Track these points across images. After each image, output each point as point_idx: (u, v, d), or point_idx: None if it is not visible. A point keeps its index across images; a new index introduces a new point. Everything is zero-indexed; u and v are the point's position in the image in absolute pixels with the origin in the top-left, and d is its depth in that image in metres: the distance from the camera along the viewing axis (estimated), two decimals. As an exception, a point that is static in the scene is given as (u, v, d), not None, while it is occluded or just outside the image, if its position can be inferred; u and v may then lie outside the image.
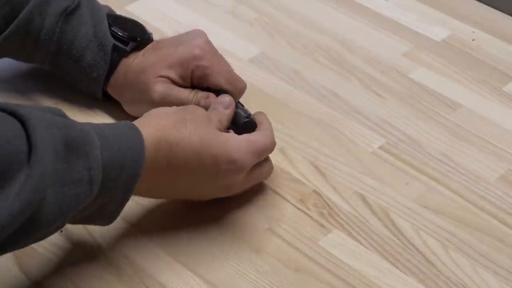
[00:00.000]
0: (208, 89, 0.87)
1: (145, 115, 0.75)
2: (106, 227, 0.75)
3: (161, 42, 0.90)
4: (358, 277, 0.75)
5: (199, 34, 0.89)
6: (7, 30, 0.87)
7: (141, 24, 0.91)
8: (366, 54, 1.03)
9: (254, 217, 0.80)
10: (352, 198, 0.83)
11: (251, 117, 0.82)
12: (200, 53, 0.86)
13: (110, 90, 0.90)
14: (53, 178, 0.61)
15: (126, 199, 0.70)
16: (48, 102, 0.92)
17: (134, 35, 0.89)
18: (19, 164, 0.59)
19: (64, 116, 0.66)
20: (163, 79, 0.86)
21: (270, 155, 0.81)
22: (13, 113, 0.61)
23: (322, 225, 0.80)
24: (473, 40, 1.06)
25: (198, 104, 0.85)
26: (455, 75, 1.00)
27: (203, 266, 0.75)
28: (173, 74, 0.86)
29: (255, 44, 1.03)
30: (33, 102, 0.92)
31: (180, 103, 0.84)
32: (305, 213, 0.81)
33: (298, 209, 0.82)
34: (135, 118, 0.77)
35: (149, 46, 0.89)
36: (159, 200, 0.80)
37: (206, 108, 0.83)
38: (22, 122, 0.61)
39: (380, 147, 0.89)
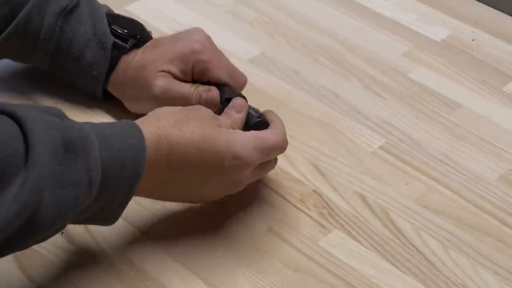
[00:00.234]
0: (208, 83, 0.87)
1: (148, 114, 0.75)
2: (108, 229, 0.75)
3: (160, 40, 0.90)
4: (358, 277, 0.75)
5: (198, 30, 0.89)
6: (6, 30, 0.87)
7: (140, 23, 0.92)
8: (366, 54, 1.03)
9: (254, 217, 0.80)
10: (352, 198, 0.83)
11: (263, 116, 0.81)
12: (200, 48, 0.87)
13: (110, 88, 0.90)
14: (51, 180, 0.61)
15: (128, 199, 0.70)
16: (48, 102, 0.92)
17: (133, 33, 0.89)
18: (16, 166, 0.59)
19: (64, 116, 0.66)
20: (164, 73, 0.86)
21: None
22: (10, 114, 0.61)
23: (322, 225, 0.80)
24: (473, 40, 1.06)
25: (199, 97, 0.85)
26: (455, 75, 1.00)
27: (203, 266, 0.75)
28: (174, 69, 0.86)
29: (255, 44, 1.03)
30: (33, 102, 0.92)
31: (181, 97, 0.85)
32: (305, 213, 0.81)
33: (298, 209, 0.82)
34: (136, 116, 0.78)
35: (148, 43, 0.90)
36: (160, 201, 0.80)
37: (208, 101, 0.84)
38: (20, 124, 0.60)
39: (380, 147, 0.89)
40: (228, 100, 0.86)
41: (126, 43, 0.88)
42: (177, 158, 0.72)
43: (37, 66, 0.92)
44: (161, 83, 0.86)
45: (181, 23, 1.05)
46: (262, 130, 0.77)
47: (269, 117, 0.81)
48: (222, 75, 0.87)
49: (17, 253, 0.69)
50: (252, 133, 0.75)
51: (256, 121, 0.80)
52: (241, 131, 0.76)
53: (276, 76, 0.98)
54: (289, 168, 0.86)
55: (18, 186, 0.58)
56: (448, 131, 0.92)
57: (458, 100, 0.96)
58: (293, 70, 1.00)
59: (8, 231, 0.59)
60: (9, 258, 0.64)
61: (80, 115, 0.91)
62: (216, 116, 0.77)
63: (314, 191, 0.83)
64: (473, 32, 1.07)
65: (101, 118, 0.91)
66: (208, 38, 0.89)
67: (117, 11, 0.93)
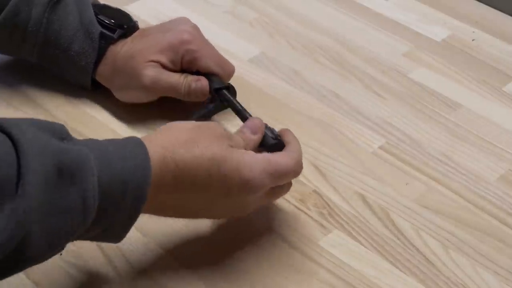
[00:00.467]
0: (197, 73, 0.89)
1: (157, 130, 0.71)
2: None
3: (148, 30, 0.91)
4: (358, 277, 0.75)
5: (184, 20, 0.90)
6: None
7: (126, 13, 0.92)
8: (366, 54, 1.03)
9: (254, 217, 0.80)
10: (352, 198, 0.83)
11: (279, 138, 0.77)
12: (189, 38, 0.88)
13: (98, 78, 0.91)
14: (41, 209, 0.59)
15: (132, 222, 0.66)
16: (36, 94, 0.93)
17: (120, 23, 0.90)
18: (5, 193, 0.57)
19: (66, 133, 0.63)
20: (153, 63, 0.87)
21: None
22: (8, 133, 0.59)
23: (322, 225, 0.80)
24: (473, 40, 1.06)
25: (188, 87, 0.87)
26: (455, 75, 1.00)
27: (203, 266, 0.75)
28: (163, 59, 0.87)
29: (255, 44, 1.03)
30: (21, 95, 0.92)
31: (170, 87, 0.87)
32: (305, 213, 0.81)
33: (298, 209, 0.82)
34: (125, 104, 0.81)
35: (136, 33, 0.90)
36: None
37: (198, 91, 0.86)
38: (15, 146, 0.58)
39: (380, 147, 0.89)
40: (218, 90, 0.88)
41: (113, 33, 0.89)
42: (183, 180, 0.68)
43: (25, 59, 0.93)
44: (151, 73, 0.87)
45: (181, 23, 1.05)
46: (276, 153, 0.73)
47: (285, 138, 0.77)
48: (211, 64, 0.88)
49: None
50: (264, 156, 0.71)
51: (271, 143, 0.76)
52: (252, 152, 0.72)
53: (276, 76, 0.98)
54: (289, 168, 0.86)
55: (6, 216, 0.56)
56: (448, 131, 0.92)
57: (458, 100, 0.96)
58: (293, 70, 1.00)
59: None
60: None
61: (68, 106, 0.91)
62: (230, 135, 0.73)
63: (314, 191, 0.83)
64: (473, 32, 1.07)
65: (89, 109, 0.91)
66: (196, 28, 0.90)
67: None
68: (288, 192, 0.82)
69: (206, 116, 0.89)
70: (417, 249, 0.78)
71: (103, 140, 0.66)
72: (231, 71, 0.90)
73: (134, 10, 1.07)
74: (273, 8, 1.10)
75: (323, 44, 1.04)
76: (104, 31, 0.89)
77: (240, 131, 0.75)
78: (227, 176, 0.69)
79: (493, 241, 0.79)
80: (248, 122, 0.77)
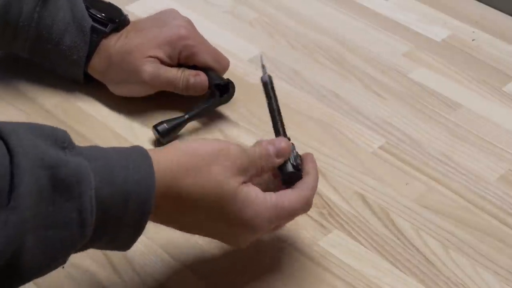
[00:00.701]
0: (194, 67, 0.90)
1: (168, 148, 0.67)
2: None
3: (141, 23, 0.92)
4: (358, 277, 0.75)
5: (177, 14, 0.92)
6: None
7: (117, 7, 0.93)
8: (366, 54, 1.03)
9: (254, 217, 0.80)
10: (352, 198, 0.83)
11: (300, 166, 0.71)
12: (186, 33, 0.89)
13: (91, 72, 0.91)
14: (34, 222, 0.57)
15: (139, 232, 0.64)
16: (28, 89, 0.93)
17: (112, 17, 0.90)
18: None
19: (68, 142, 0.61)
20: (152, 59, 0.88)
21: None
22: (4, 140, 0.57)
23: (322, 225, 0.80)
24: (473, 40, 1.06)
25: (187, 81, 0.88)
26: (455, 75, 1.00)
27: (203, 266, 0.75)
28: (161, 54, 0.88)
29: (255, 44, 1.03)
30: (13, 90, 0.93)
31: (168, 81, 0.88)
32: (305, 213, 0.81)
33: (298, 209, 0.81)
34: (121, 98, 0.83)
35: (129, 27, 0.91)
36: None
37: (197, 85, 0.87)
38: (10, 155, 0.56)
39: (380, 147, 0.89)
40: (217, 86, 0.89)
41: (105, 27, 0.89)
42: (184, 207, 0.65)
43: (17, 55, 0.93)
44: (149, 68, 0.88)
45: (181, 23, 1.05)
46: (286, 193, 0.68)
47: (305, 167, 0.72)
48: (208, 59, 0.90)
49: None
50: (272, 201, 0.67)
51: (289, 172, 0.71)
52: (261, 194, 0.67)
53: (276, 76, 0.98)
54: (289, 168, 0.86)
55: None
56: (448, 131, 0.92)
57: (458, 100, 0.96)
58: (293, 70, 1.00)
59: None
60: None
61: (64, 102, 0.92)
62: (246, 166, 0.67)
63: (314, 191, 0.83)
64: (473, 32, 1.07)
65: (81, 103, 0.92)
66: (190, 22, 0.91)
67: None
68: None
69: (205, 111, 0.89)
70: (417, 249, 0.78)
71: (107, 148, 0.64)
72: (226, 65, 0.92)
73: (134, 10, 1.07)
74: (273, 8, 1.10)
75: (323, 44, 1.04)
76: (96, 25, 0.89)
77: (264, 149, 0.69)
78: (230, 217, 0.66)
79: (493, 241, 0.79)
80: (277, 142, 0.71)
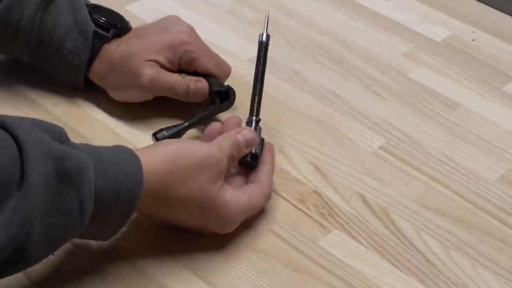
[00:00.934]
0: (194, 73, 0.89)
1: (162, 146, 0.73)
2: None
3: (142, 29, 0.92)
4: (358, 277, 0.75)
5: (179, 20, 0.92)
6: None
7: (118, 13, 0.93)
8: (366, 54, 1.03)
9: (254, 217, 0.80)
10: (352, 198, 0.83)
11: (258, 155, 0.80)
12: (187, 39, 0.89)
13: (92, 77, 0.91)
14: (41, 210, 0.61)
15: (122, 226, 0.70)
16: (29, 93, 0.93)
17: (114, 22, 0.90)
18: (8, 192, 0.58)
19: (65, 137, 0.65)
20: (151, 63, 0.87)
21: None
22: (12, 133, 0.60)
23: (322, 225, 0.80)
24: (473, 40, 1.06)
25: (187, 87, 0.88)
26: (455, 75, 1.00)
27: (205, 267, 0.75)
28: (161, 58, 0.88)
29: (255, 44, 1.03)
30: (14, 94, 0.93)
31: (168, 86, 0.87)
32: (305, 213, 0.81)
33: (298, 209, 0.81)
34: (120, 103, 0.82)
35: (130, 33, 0.91)
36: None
37: (197, 92, 0.87)
38: (19, 147, 0.60)
39: (380, 147, 0.89)
40: (218, 92, 0.88)
41: (107, 32, 0.89)
42: (167, 209, 0.73)
43: (17, 58, 0.93)
44: (149, 72, 0.87)
45: (181, 23, 1.05)
46: (253, 192, 0.77)
47: (263, 158, 0.80)
48: (209, 65, 0.89)
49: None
50: (244, 206, 0.75)
51: (247, 161, 0.79)
52: (235, 198, 0.75)
53: (276, 76, 0.98)
54: (289, 168, 0.86)
55: (9, 215, 0.58)
56: (448, 131, 0.92)
57: (458, 100, 0.96)
58: (293, 70, 1.00)
59: None
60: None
61: (65, 105, 0.92)
62: (224, 163, 0.74)
63: (314, 191, 0.83)
64: (473, 32, 1.07)
65: (82, 103, 0.92)
66: (192, 28, 0.91)
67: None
68: (288, 192, 0.83)
69: (205, 118, 0.88)
70: (417, 249, 0.78)
71: (97, 146, 0.68)
72: (228, 72, 0.91)
73: (134, 10, 1.07)
74: (273, 8, 1.10)
75: (323, 44, 1.04)
76: (98, 30, 0.89)
77: (236, 140, 0.77)
78: (207, 218, 0.74)
79: (493, 241, 0.79)
80: (246, 132, 0.78)
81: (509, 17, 1.11)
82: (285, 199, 0.82)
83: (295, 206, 0.82)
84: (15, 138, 0.60)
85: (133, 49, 0.88)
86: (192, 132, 0.88)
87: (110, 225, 0.69)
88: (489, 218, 0.82)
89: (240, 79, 0.95)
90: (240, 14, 1.09)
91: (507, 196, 0.84)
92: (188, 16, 0.94)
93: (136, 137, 0.88)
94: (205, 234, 0.77)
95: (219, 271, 0.75)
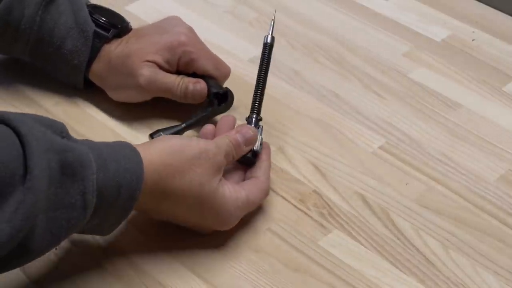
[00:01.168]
0: (193, 74, 0.89)
1: (160, 142, 0.74)
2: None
3: (142, 30, 0.92)
4: (358, 277, 0.75)
5: (179, 21, 0.91)
6: None
7: (118, 13, 0.93)
8: (366, 54, 1.03)
9: (254, 217, 0.80)
10: (352, 198, 0.83)
11: (258, 153, 0.80)
12: (186, 40, 0.89)
13: (92, 77, 0.91)
14: (45, 204, 0.61)
15: (122, 221, 0.70)
16: (29, 93, 0.93)
17: (114, 22, 0.90)
18: (12, 187, 0.59)
19: (66, 133, 0.66)
20: (150, 63, 0.87)
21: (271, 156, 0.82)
22: (15, 128, 0.61)
23: (322, 225, 0.80)
24: (473, 40, 1.06)
25: (185, 88, 0.87)
26: (455, 75, 1.00)
27: (203, 266, 0.75)
28: (159, 59, 0.88)
29: (255, 44, 1.03)
30: (14, 93, 0.93)
31: (166, 87, 0.87)
32: (305, 213, 0.81)
33: (298, 209, 0.81)
34: (119, 104, 0.82)
35: (130, 34, 0.91)
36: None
37: (196, 93, 0.87)
38: (22, 142, 0.60)
39: (380, 147, 0.89)
40: (216, 94, 0.88)
41: (108, 32, 0.89)
42: (166, 204, 0.73)
43: (17, 58, 0.93)
44: (147, 72, 0.87)
45: (181, 23, 1.05)
46: (251, 188, 0.77)
47: (260, 157, 0.80)
48: (208, 66, 0.89)
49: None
50: (243, 201, 0.75)
51: (247, 158, 0.79)
52: (233, 194, 0.75)
53: (276, 76, 0.98)
54: (289, 168, 0.86)
55: (13, 208, 0.58)
56: (448, 131, 0.92)
57: (458, 100, 0.96)
58: (293, 70, 1.00)
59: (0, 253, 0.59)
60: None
61: (65, 104, 0.92)
62: (222, 158, 0.75)
63: (314, 191, 0.83)
64: (473, 32, 1.07)
65: (82, 103, 0.92)
66: (191, 30, 0.91)
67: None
68: (288, 192, 0.83)
69: (203, 120, 0.88)
70: (417, 249, 0.78)
71: (98, 142, 0.69)
72: (227, 73, 0.91)
73: (134, 10, 1.07)
74: (273, 8, 1.10)
75: (323, 44, 1.04)
76: (98, 30, 0.89)
77: (235, 139, 0.77)
78: (206, 213, 0.74)
79: (493, 241, 0.79)
80: (245, 131, 0.78)
81: (509, 17, 1.11)
82: (285, 199, 0.82)
83: (295, 206, 0.82)
84: (17, 134, 0.61)
85: (132, 49, 0.88)
86: (189, 133, 0.88)
87: (110, 220, 0.69)
88: (489, 218, 0.82)
89: (240, 79, 0.96)
90: (240, 14, 1.09)
91: (507, 196, 0.84)
92: (188, 16, 0.94)
93: (135, 137, 0.88)
94: (205, 234, 0.77)
95: (217, 270, 0.75)
